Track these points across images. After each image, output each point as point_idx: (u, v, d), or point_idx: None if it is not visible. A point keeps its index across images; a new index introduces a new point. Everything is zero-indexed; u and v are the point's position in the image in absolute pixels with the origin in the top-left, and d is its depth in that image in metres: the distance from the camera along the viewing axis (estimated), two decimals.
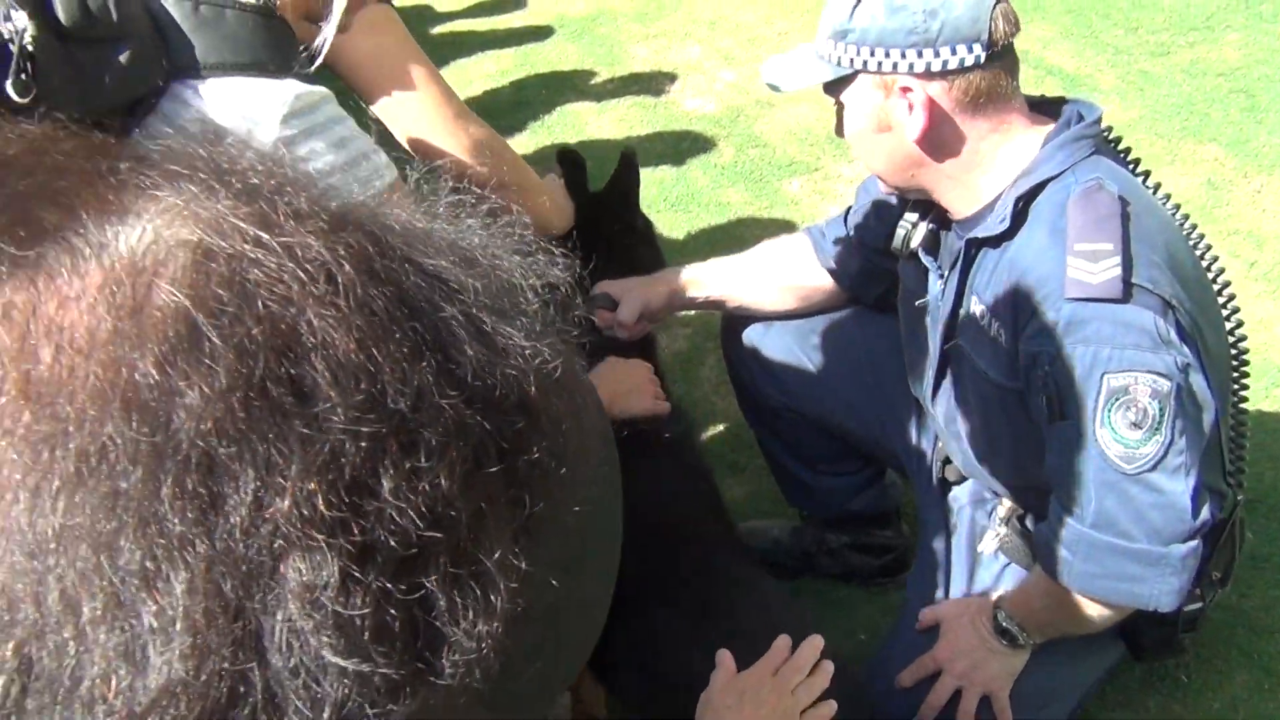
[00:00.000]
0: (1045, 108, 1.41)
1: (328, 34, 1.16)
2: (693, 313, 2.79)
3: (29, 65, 0.87)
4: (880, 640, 1.89)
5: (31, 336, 0.31)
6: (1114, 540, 1.30)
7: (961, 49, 1.26)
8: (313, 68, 1.18)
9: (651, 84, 3.97)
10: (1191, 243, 1.42)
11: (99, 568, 0.30)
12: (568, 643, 0.44)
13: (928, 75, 1.29)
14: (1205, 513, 1.28)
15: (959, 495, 1.62)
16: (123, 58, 0.93)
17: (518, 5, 4.72)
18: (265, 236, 0.34)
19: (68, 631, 0.30)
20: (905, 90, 1.30)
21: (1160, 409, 1.22)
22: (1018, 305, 1.32)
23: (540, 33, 4.48)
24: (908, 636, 1.63)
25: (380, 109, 1.49)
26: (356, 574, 0.32)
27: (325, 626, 0.31)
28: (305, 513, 0.31)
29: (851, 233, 1.68)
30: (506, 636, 0.35)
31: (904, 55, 1.28)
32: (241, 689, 0.31)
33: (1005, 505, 1.59)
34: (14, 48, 0.86)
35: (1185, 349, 1.24)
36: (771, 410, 1.87)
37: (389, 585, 0.32)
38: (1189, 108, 3.47)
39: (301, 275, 0.33)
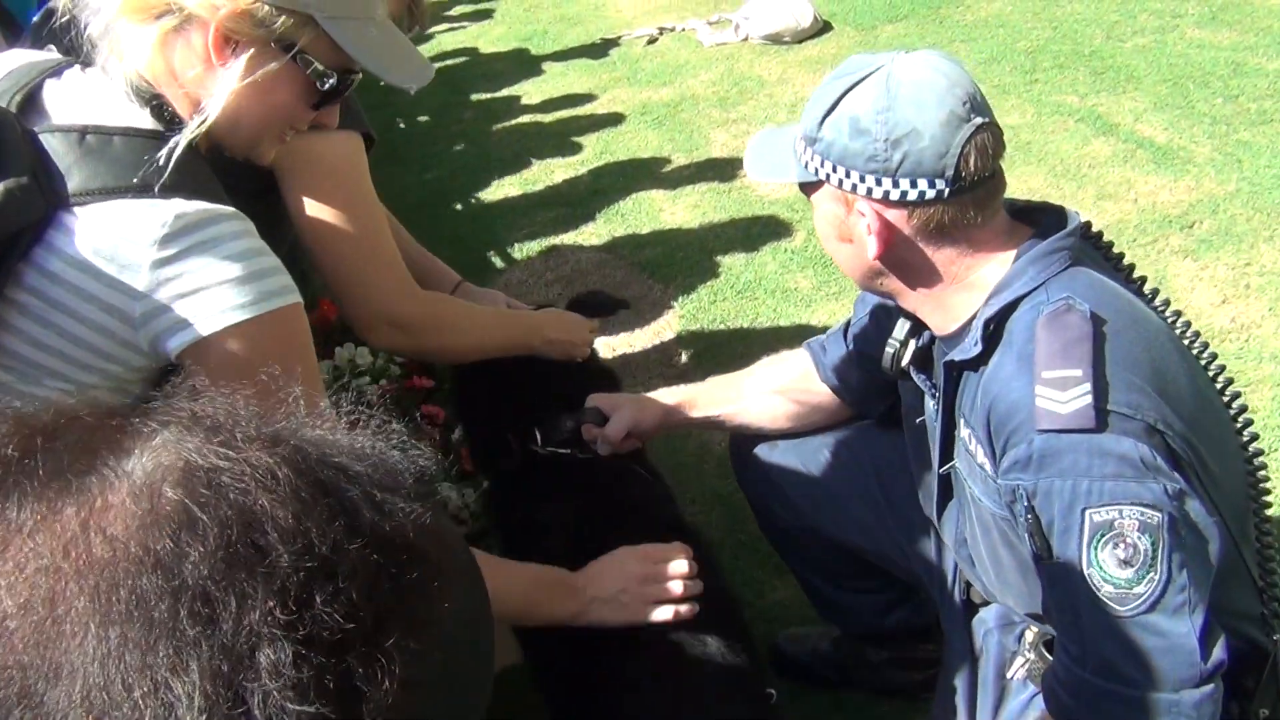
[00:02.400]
0: (1027, 215, 1.33)
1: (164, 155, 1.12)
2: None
3: None
4: None
5: (87, 530, 0.50)
6: (1117, 689, 1.17)
7: (922, 183, 1.19)
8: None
9: (726, 170, 3.97)
10: (1195, 352, 1.31)
11: (144, 664, 0.48)
12: (456, 700, 0.61)
13: (885, 203, 1.23)
14: (1218, 653, 1.15)
15: (985, 618, 1.51)
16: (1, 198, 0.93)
17: (592, 98, 4.81)
18: (229, 453, 0.53)
19: (127, 707, 0.47)
20: (862, 212, 1.25)
21: (1152, 543, 1.11)
22: (993, 436, 1.23)
23: (622, 120, 4.55)
24: None
25: (313, 242, 1.50)
26: (303, 654, 0.50)
27: (286, 688, 0.49)
28: (269, 620, 0.49)
29: (851, 346, 1.60)
30: (405, 692, 0.52)
31: (863, 179, 1.22)
32: None
33: (1034, 630, 1.48)
34: None
35: (1176, 475, 1.12)
36: (785, 530, 1.80)
37: (324, 660, 0.50)
38: None
39: (255, 476, 0.52)
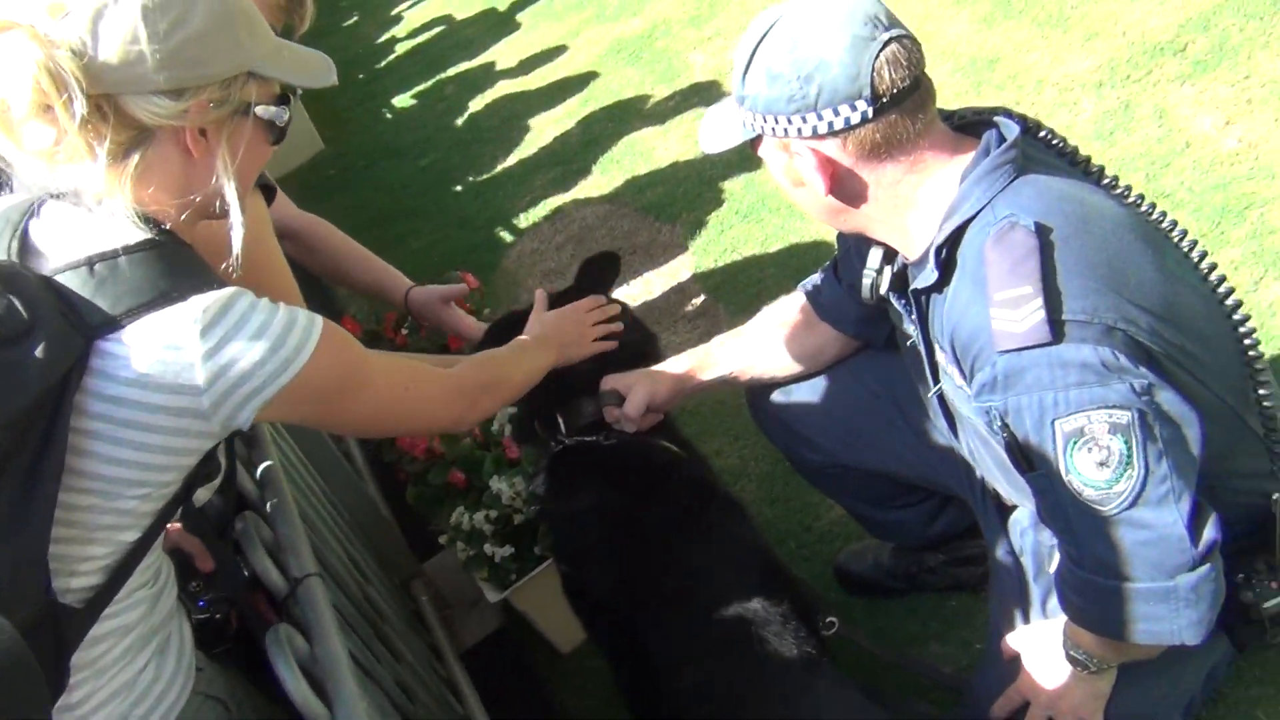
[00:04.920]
0: (971, 128, 1.33)
1: (236, 240, 1.19)
2: None
3: None
4: None
5: None
6: (1115, 584, 1.21)
7: (845, 108, 1.21)
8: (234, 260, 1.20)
9: (710, 92, 3.94)
10: (1165, 230, 1.30)
11: None
12: None
13: (816, 137, 1.25)
14: (1209, 534, 1.18)
15: (1020, 519, 1.55)
16: (39, 350, 0.98)
17: (565, 48, 4.76)
18: None
19: None
20: (799, 152, 1.27)
21: (1125, 442, 1.14)
22: (961, 360, 1.26)
23: (599, 62, 4.52)
24: (996, 667, 1.58)
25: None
26: None
27: None
28: None
29: (840, 280, 1.63)
30: None
31: (790, 121, 1.25)
32: None
33: None
34: None
35: (1141, 369, 1.14)
36: (817, 468, 1.85)
37: None
38: None
39: None
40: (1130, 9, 3.30)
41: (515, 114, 4.46)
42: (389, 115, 4.99)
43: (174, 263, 1.09)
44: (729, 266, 3.13)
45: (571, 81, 4.48)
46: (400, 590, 2.39)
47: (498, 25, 5.37)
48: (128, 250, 1.07)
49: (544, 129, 4.25)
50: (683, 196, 3.49)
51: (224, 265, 1.16)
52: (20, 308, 0.99)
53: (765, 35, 1.27)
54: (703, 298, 3.06)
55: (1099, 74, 3.11)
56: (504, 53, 5.04)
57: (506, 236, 3.74)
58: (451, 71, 5.13)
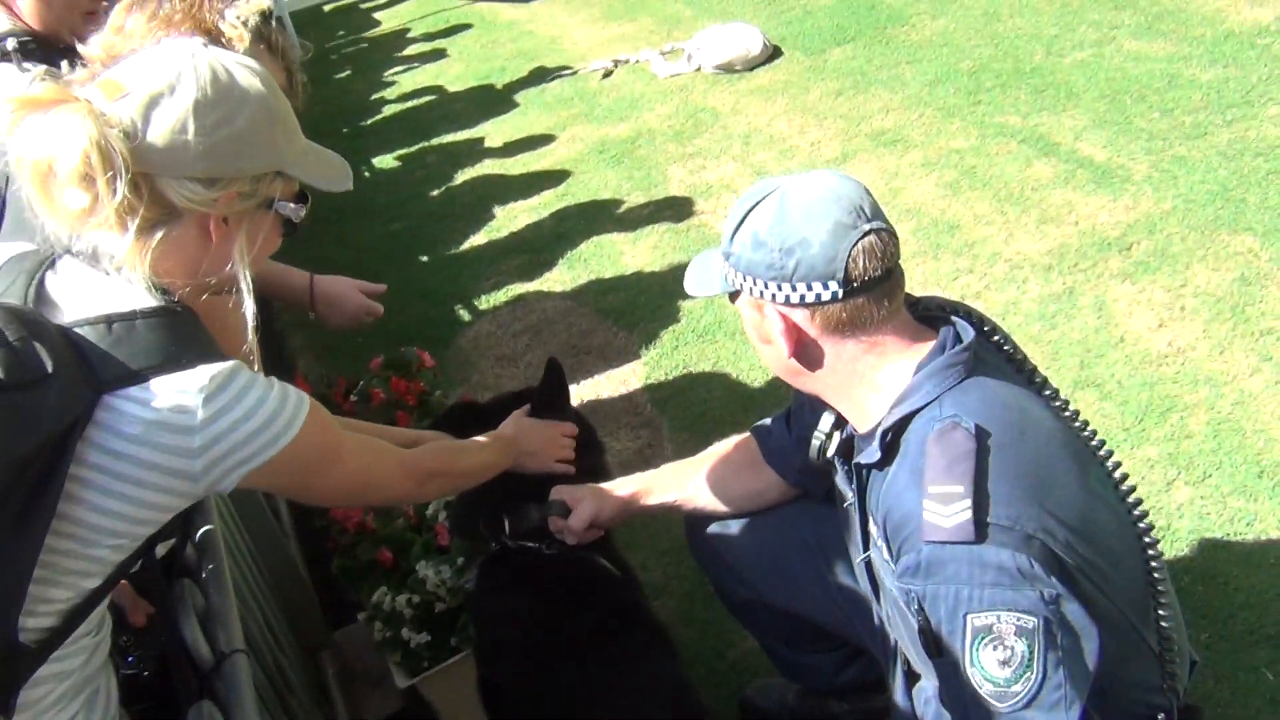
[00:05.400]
0: (931, 321, 1.43)
1: (249, 320, 1.26)
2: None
3: None
4: None
5: None
6: None
7: (817, 285, 1.31)
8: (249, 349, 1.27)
9: (683, 208, 4.08)
10: (1093, 448, 1.41)
11: None
12: None
13: (788, 305, 1.35)
14: None
15: (925, 688, 1.62)
16: (52, 398, 1.03)
17: (551, 138, 4.90)
18: None
19: None
20: (770, 315, 1.37)
21: (1029, 646, 1.22)
22: (890, 540, 1.34)
23: (581, 159, 4.65)
24: None
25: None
26: None
27: None
28: None
29: (791, 432, 1.72)
30: None
31: (766, 285, 1.34)
32: None
33: None
34: None
35: (1053, 580, 1.22)
36: (741, 601, 1.91)
37: None
38: (1224, 195, 3.39)
39: None
40: (1085, 202, 3.51)
41: (492, 195, 4.55)
42: (367, 174, 5.05)
43: (185, 331, 1.16)
44: (678, 382, 3.21)
45: (552, 174, 4.60)
46: (308, 657, 2.38)
47: (490, 103, 5.50)
48: (144, 315, 1.14)
49: (518, 215, 4.35)
50: (643, 306, 3.59)
51: (243, 347, 1.23)
52: (45, 356, 1.05)
53: (760, 202, 1.37)
54: (649, 408, 3.14)
55: (1049, 258, 3.30)
56: (491, 132, 5.16)
57: (465, 315, 3.79)
58: (436, 141, 5.22)
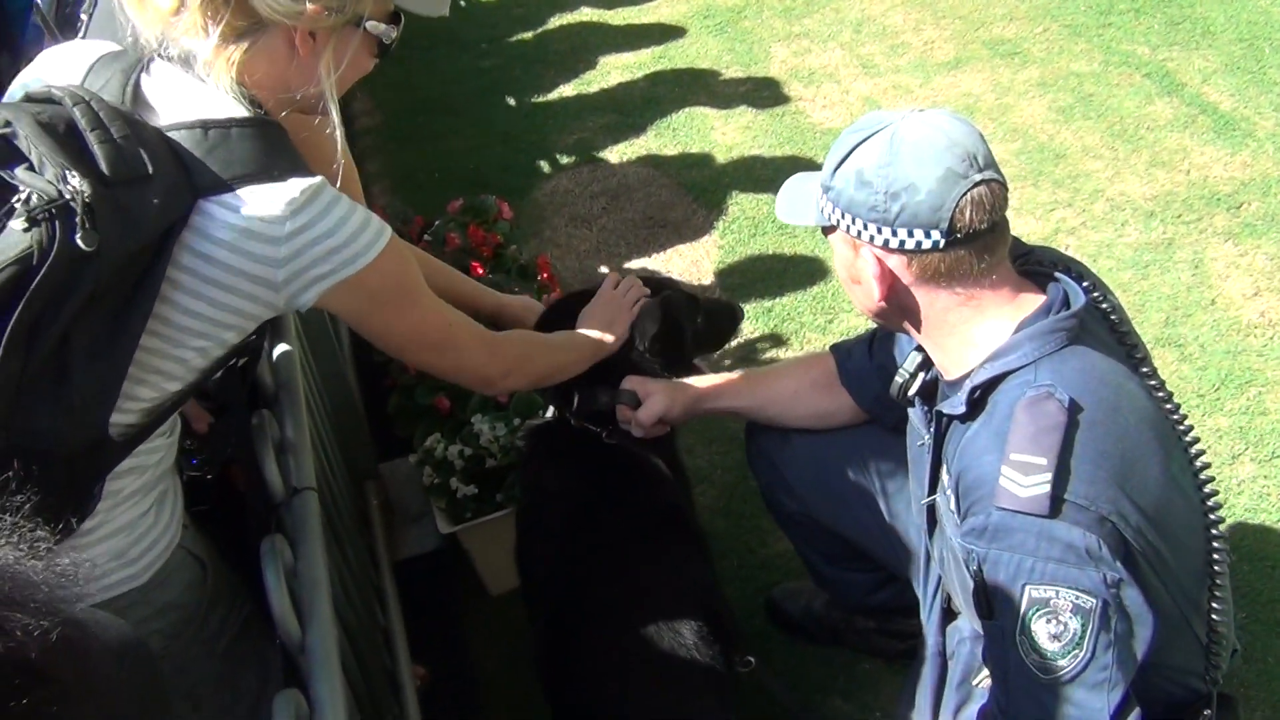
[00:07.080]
0: (1039, 277, 1.38)
1: (338, 141, 1.25)
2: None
3: (90, 218, 1.00)
4: None
5: None
6: None
7: (919, 233, 1.27)
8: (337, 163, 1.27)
9: (782, 91, 3.94)
10: (1180, 433, 1.37)
11: None
12: None
13: (885, 249, 1.31)
14: None
15: (960, 627, 1.63)
16: (156, 198, 1.06)
17: None
18: None
19: None
20: (866, 257, 1.33)
21: (1083, 625, 1.21)
22: (960, 497, 1.33)
23: (684, 22, 4.48)
24: None
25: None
26: None
27: None
28: None
29: (872, 358, 1.69)
30: None
31: (865, 226, 1.30)
32: None
33: None
34: (76, 205, 1.00)
35: (1118, 564, 1.22)
36: (788, 513, 1.92)
37: None
38: None
39: None
40: (1201, 150, 3.36)
41: (588, 45, 4.42)
42: (464, 3, 4.91)
43: (276, 144, 1.17)
44: (751, 270, 3.17)
45: (653, 31, 4.45)
46: (354, 487, 2.44)
47: None
48: (238, 124, 1.15)
49: (611, 71, 4.23)
50: (727, 186, 3.51)
51: (333, 166, 1.24)
52: (145, 156, 1.06)
53: (869, 138, 1.31)
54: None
55: (1153, 204, 3.17)
56: None
57: (545, 167, 3.74)
58: None
